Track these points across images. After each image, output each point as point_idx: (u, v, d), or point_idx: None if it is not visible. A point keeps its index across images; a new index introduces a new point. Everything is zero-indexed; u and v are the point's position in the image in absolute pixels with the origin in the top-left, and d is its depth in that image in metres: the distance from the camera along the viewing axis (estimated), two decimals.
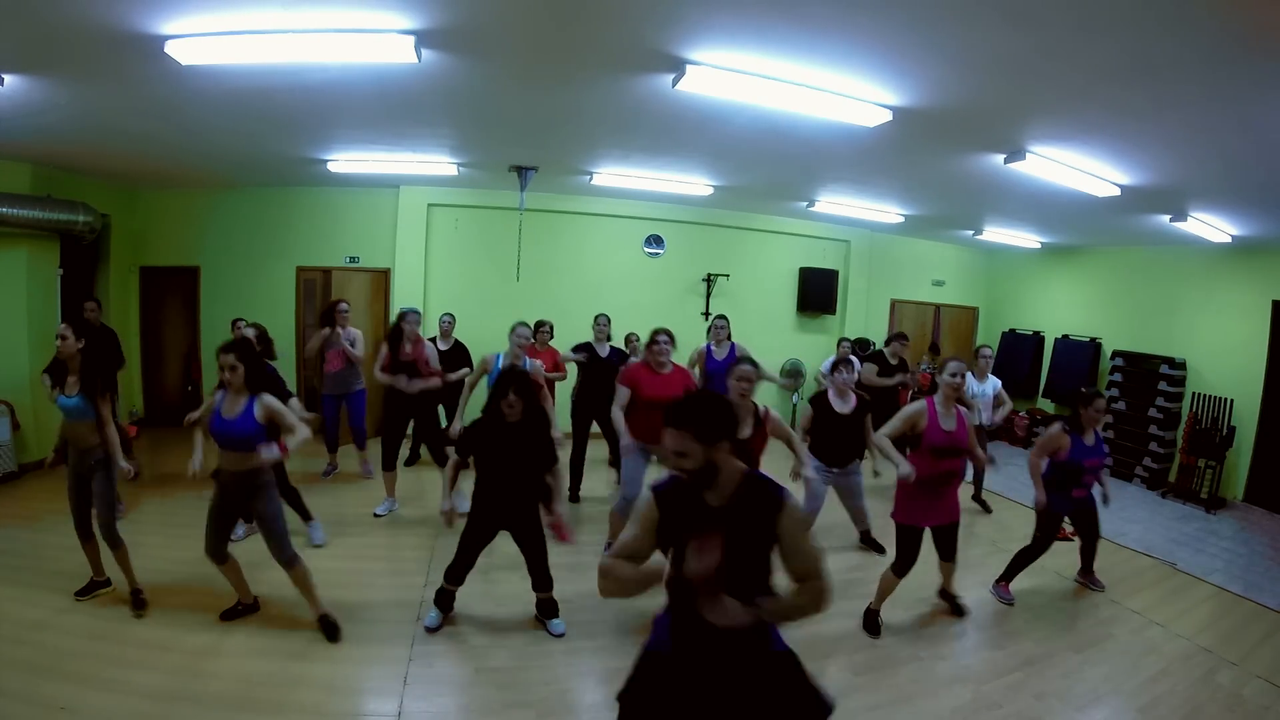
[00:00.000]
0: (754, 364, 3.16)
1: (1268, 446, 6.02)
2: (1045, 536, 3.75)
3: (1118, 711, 2.87)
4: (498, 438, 3.02)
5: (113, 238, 6.25)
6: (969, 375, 5.02)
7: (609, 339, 5.31)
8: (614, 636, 3.17)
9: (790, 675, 1.74)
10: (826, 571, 1.66)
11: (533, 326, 5.32)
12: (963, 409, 3.31)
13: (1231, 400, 6.19)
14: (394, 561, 3.92)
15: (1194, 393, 6.49)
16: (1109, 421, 7.12)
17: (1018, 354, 8.32)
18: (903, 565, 3.33)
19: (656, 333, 3.97)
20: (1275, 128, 3.06)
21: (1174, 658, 3.30)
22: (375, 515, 4.60)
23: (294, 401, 4.43)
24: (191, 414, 3.83)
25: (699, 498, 1.67)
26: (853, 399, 4.06)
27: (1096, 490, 3.82)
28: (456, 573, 3.18)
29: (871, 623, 3.42)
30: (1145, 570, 4.48)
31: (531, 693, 2.72)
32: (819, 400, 4.10)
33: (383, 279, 6.85)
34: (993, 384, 5.11)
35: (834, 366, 4.15)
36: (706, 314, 7.49)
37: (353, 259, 6.81)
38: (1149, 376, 6.79)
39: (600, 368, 5.05)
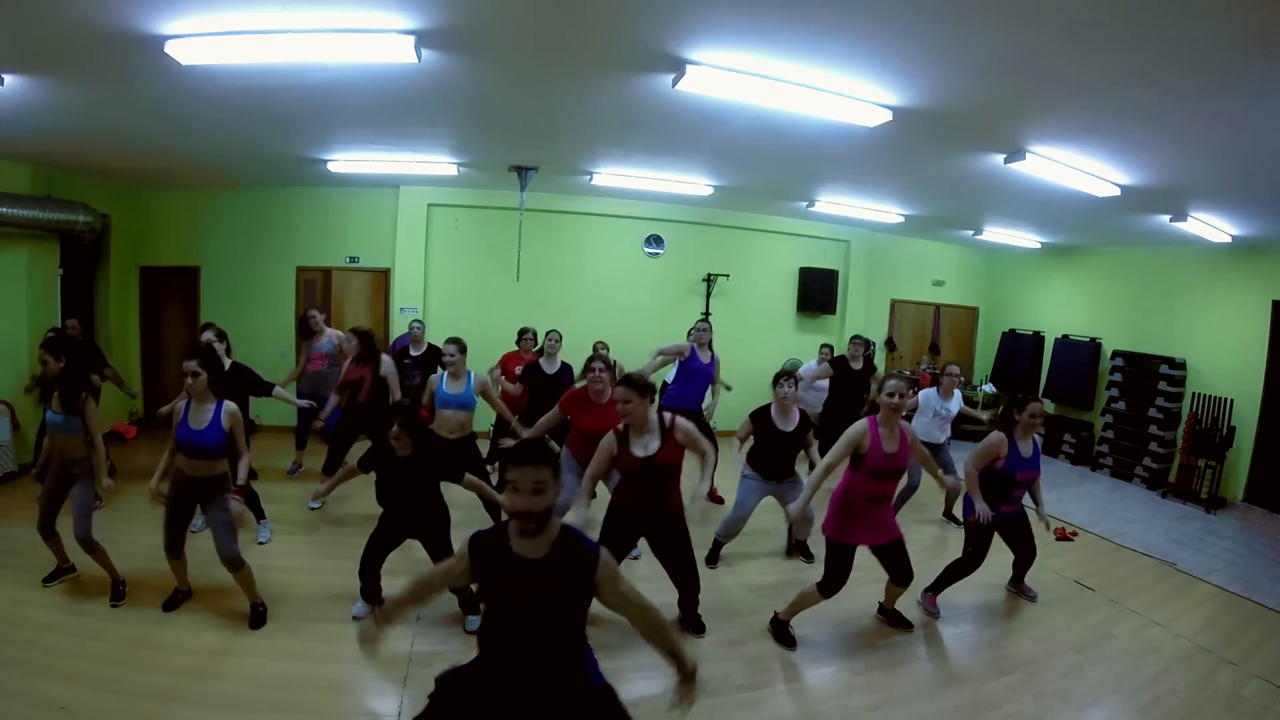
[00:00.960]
0: (633, 382, 2.95)
1: (1268, 446, 6.02)
2: (977, 552, 3.55)
3: (1118, 711, 2.87)
4: (390, 468, 3.09)
5: (113, 238, 6.25)
6: (933, 392, 4.92)
7: (559, 354, 5.01)
8: (612, 635, 3.17)
9: (605, 709, 1.76)
10: (644, 600, 1.78)
11: (516, 334, 5.32)
12: (906, 427, 3.12)
13: (1231, 400, 6.18)
14: (393, 561, 3.91)
15: (1194, 393, 6.49)
16: (1109, 422, 7.13)
17: (1018, 354, 8.32)
18: (830, 585, 3.10)
19: (592, 360, 3.80)
20: (1275, 127, 3.06)
21: (1174, 658, 3.30)
22: (311, 508, 4.70)
23: (279, 389, 4.53)
24: (163, 408, 3.75)
25: (508, 550, 1.68)
26: (795, 416, 3.87)
27: (1028, 502, 3.65)
28: (366, 571, 3.20)
29: (782, 632, 3.25)
30: (1145, 570, 4.48)
31: None
32: (760, 415, 3.89)
33: (383, 279, 6.85)
34: (957, 402, 4.96)
35: (776, 379, 3.90)
36: (706, 314, 7.49)
37: (353, 259, 6.81)
38: (1149, 376, 6.78)
39: (546, 384, 4.72)
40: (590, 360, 3.84)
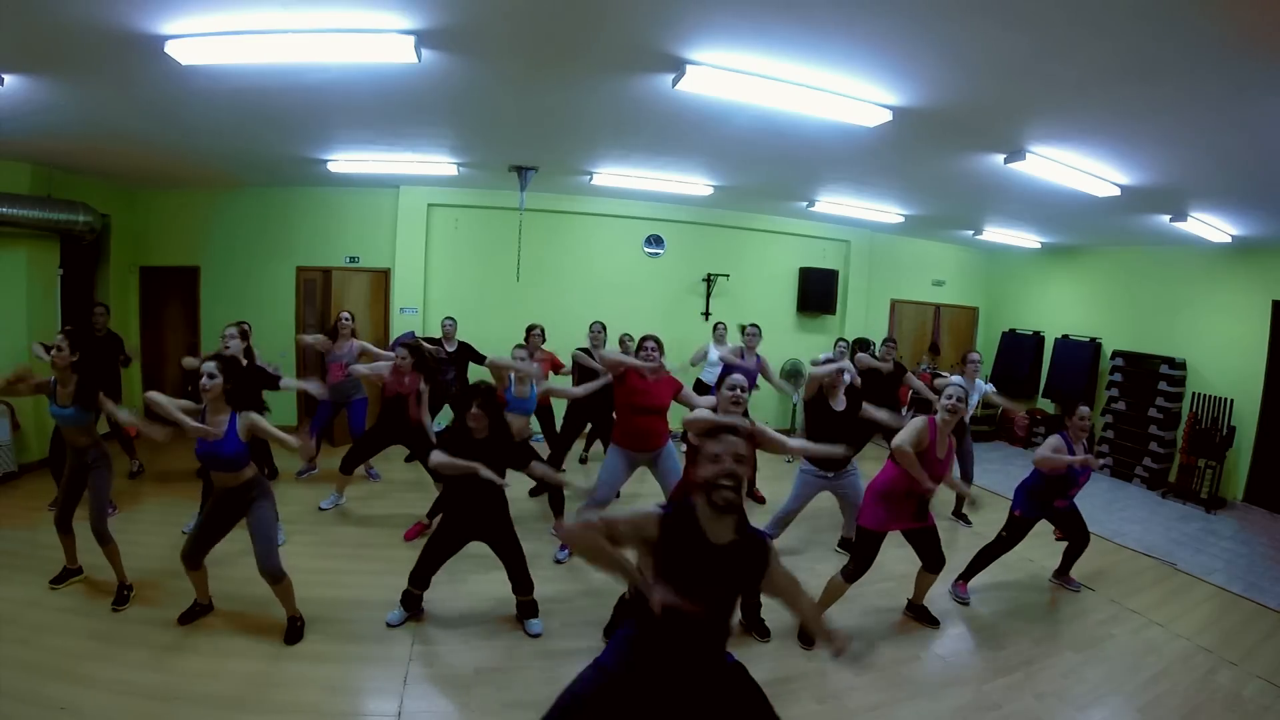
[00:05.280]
0: (748, 376, 3.14)
1: (1268, 446, 6.02)
2: (1011, 539, 3.75)
3: (1118, 711, 2.87)
4: (465, 454, 3.01)
5: (113, 238, 6.25)
6: (959, 379, 4.96)
7: (604, 346, 5.34)
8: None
9: (744, 685, 1.81)
10: (795, 578, 1.80)
11: (525, 331, 5.33)
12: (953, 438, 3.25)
13: (1231, 400, 6.19)
14: (394, 562, 3.91)
15: (1194, 393, 6.49)
16: (1109, 422, 7.12)
17: (1018, 354, 8.32)
18: (856, 571, 3.23)
19: (645, 339, 3.92)
20: (1274, 128, 3.06)
21: (1174, 658, 3.30)
22: (320, 509, 4.69)
23: (286, 380, 4.45)
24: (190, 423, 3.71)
25: (700, 533, 1.67)
26: (843, 398, 3.97)
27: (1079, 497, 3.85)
28: (420, 577, 3.19)
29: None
30: (1145, 570, 4.48)
31: (531, 693, 2.71)
32: (817, 399, 3.99)
33: (383, 279, 6.85)
34: (980, 389, 5.03)
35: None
36: (706, 314, 7.49)
37: (353, 259, 6.81)
38: (1149, 376, 6.78)
39: (594, 374, 4.91)
40: (644, 340, 3.95)
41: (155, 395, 2.88)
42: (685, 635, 1.68)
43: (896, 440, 3.12)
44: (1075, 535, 3.95)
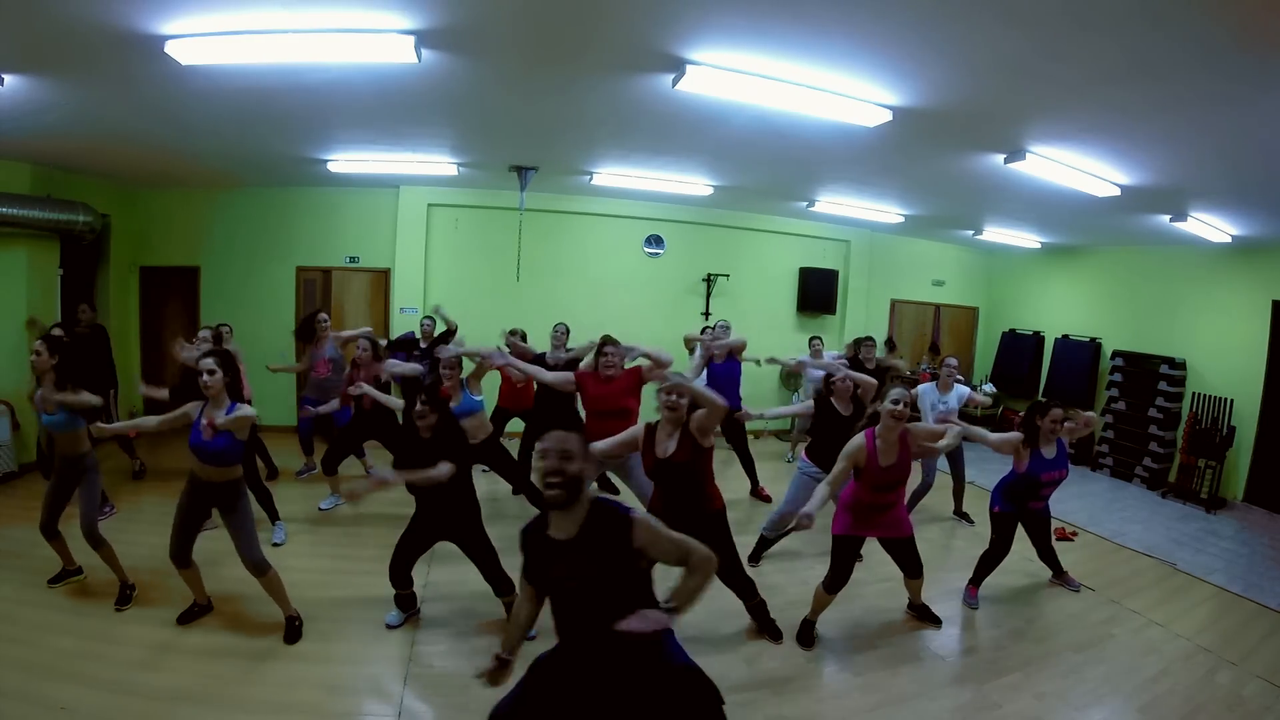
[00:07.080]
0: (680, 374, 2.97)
1: (1268, 446, 6.01)
2: (1001, 540, 3.72)
3: (1118, 711, 2.87)
4: (415, 452, 2.94)
5: (113, 238, 6.25)
6: (930, 386, 4.88)
7: (565, 348, 5.17)
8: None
9: (691, 689, 1.74)
10: (693, 542, 1.74)
11: (505, 333, 5.30)
12: (908, 429, 3.11)
13: (1231, 400, 6.18)
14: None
15: (1194, 393, 6.48)
16: (1109, 422, 7.12)
17: (1018, 354, 8.32)
18: (835, 580, 3.18)
19: (604, 343, 3.90)
20: (1274, 128, 3.06)
21: (1174, 658, 3.30)
22: (320, 509, 4.70)
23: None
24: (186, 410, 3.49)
25: (545, 536, 1.73)
26: (850, 403, 3.97)
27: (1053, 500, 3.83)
28: (397, 576, 3.15)
29: (807, 634, 3.27)
30: (1145, 570, 4.47)
31: None
32: (823, 402, 4.01)
33: (383, 279, 6.85)
34: (958, 394, 4.85)
35: (826, 377, 4.06)
36: (706, 314, 7.49)
37: (353, 259, 6.81)
38: (1149, 376, 6.78)
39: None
40: (603, 344, 3.93)
41: (101, 426, 2.99)
42: (590, 633, 1.67)
43: (822, 483, 3.08)
44: (1038, 537, 3.89)
